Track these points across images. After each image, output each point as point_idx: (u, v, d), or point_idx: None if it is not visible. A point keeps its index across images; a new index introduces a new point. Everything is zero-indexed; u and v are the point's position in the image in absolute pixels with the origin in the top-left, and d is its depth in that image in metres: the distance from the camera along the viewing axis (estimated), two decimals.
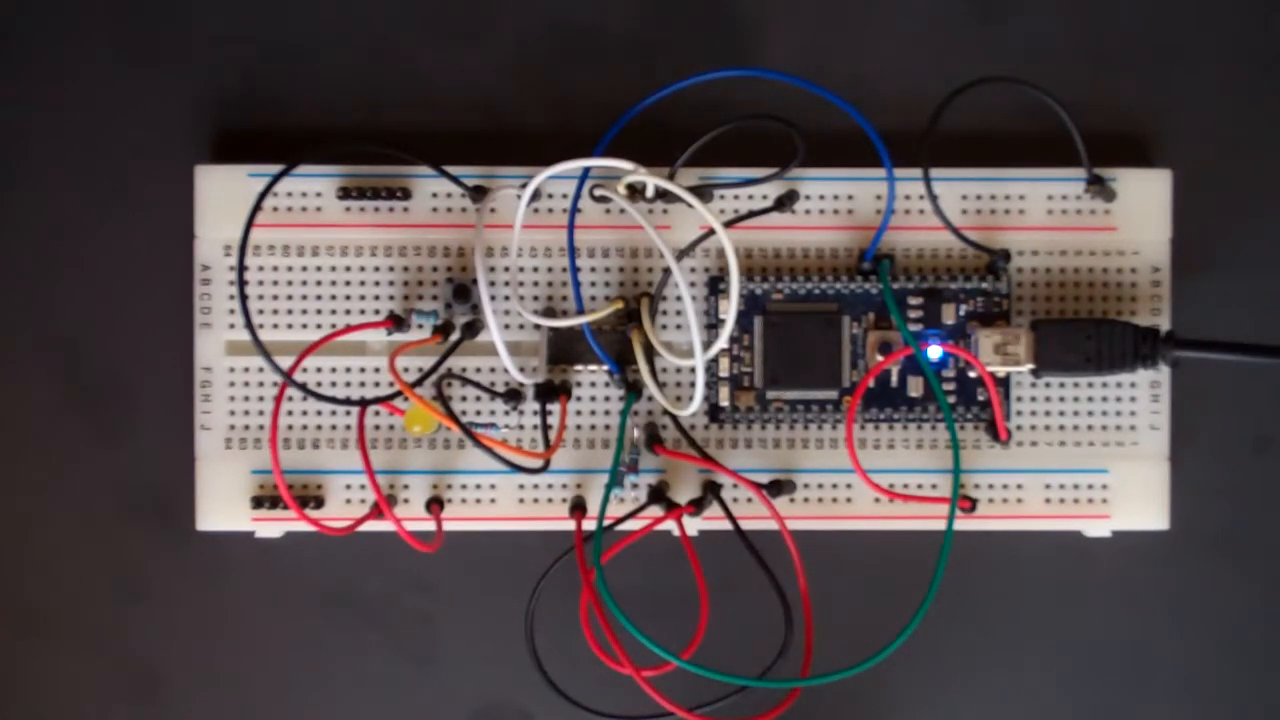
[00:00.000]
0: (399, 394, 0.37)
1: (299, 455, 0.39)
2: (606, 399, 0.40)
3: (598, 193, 0.39)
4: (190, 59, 0.40)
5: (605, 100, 0.40)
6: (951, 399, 0.39)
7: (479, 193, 0.39)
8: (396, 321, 0.39)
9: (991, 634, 0.41)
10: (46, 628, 0.40)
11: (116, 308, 0.40)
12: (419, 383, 0.38)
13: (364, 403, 0.37)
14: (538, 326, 0.39)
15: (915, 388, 0.40)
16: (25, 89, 0.40)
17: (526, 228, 0.39)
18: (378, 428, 0.40)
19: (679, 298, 0.39)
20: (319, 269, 0.39)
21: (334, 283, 0.39)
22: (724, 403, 0.39)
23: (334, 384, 0.40)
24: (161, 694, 0.41)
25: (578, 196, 0.38)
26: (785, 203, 0.39)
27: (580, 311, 0.38)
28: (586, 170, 0.38)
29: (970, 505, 0.39)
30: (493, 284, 0.39)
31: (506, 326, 0.39)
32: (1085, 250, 0.40)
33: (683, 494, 0.40)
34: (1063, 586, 0.41)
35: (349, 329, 0.38)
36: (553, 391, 0.39)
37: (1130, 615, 0.41)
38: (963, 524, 0.39)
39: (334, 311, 0.39)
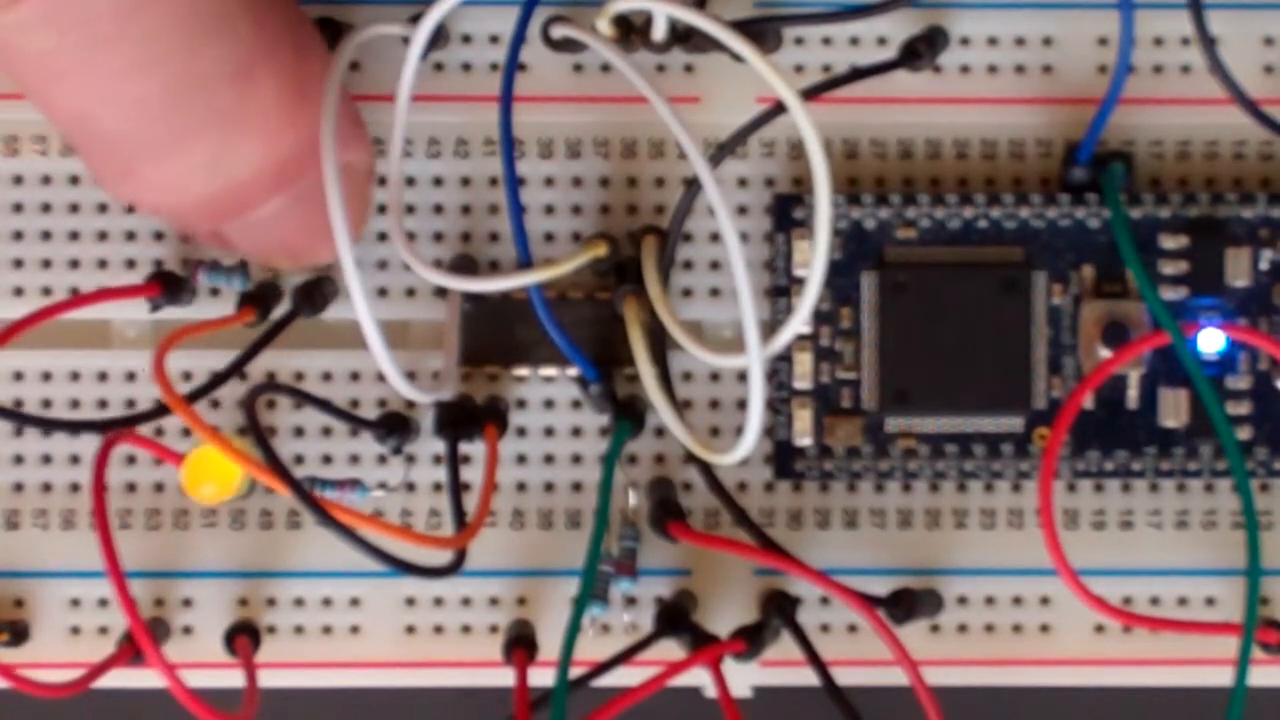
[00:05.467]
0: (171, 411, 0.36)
1: None
2: (575, 433, 0.39)
3: (559, 33, 0.38)
4: None
5: None
6: (1243, 432, 0.39)
7: (328, 32, 0.38)
8: (169, 285, 0.38)
9: None
10: None
11: None
12: (205, 392, 0.38)
13: (107, 435, 0.37)
14: (443, 292, 0.38)
15: (1174, 411, 0.39)
16: None
17: (422, 100, 0.38)
18: (133, 488, 0.39)
19: (715, 236, 0.39)
20: (19, 182, 0.39)
21: (47, 208, 0.39)
22: (803, 440, 0.39)
23: (49, 403, 0.39)
24: None
25: (519, 41, 0.37)
26: (922, 52, 0.38)
27: (526, 264, 0.37)
28: None
29: None
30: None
31: (382, 294, 0.39)
32: None
33: (723, 617, 0.39)
34: None
35: (77, 300, 0.38)
36: (471, 419, 0.38)
37: None
38: (1268, 675, 0.39)
39: (48, 265, 0.39)
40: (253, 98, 0.32)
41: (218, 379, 0.38)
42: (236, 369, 0.38)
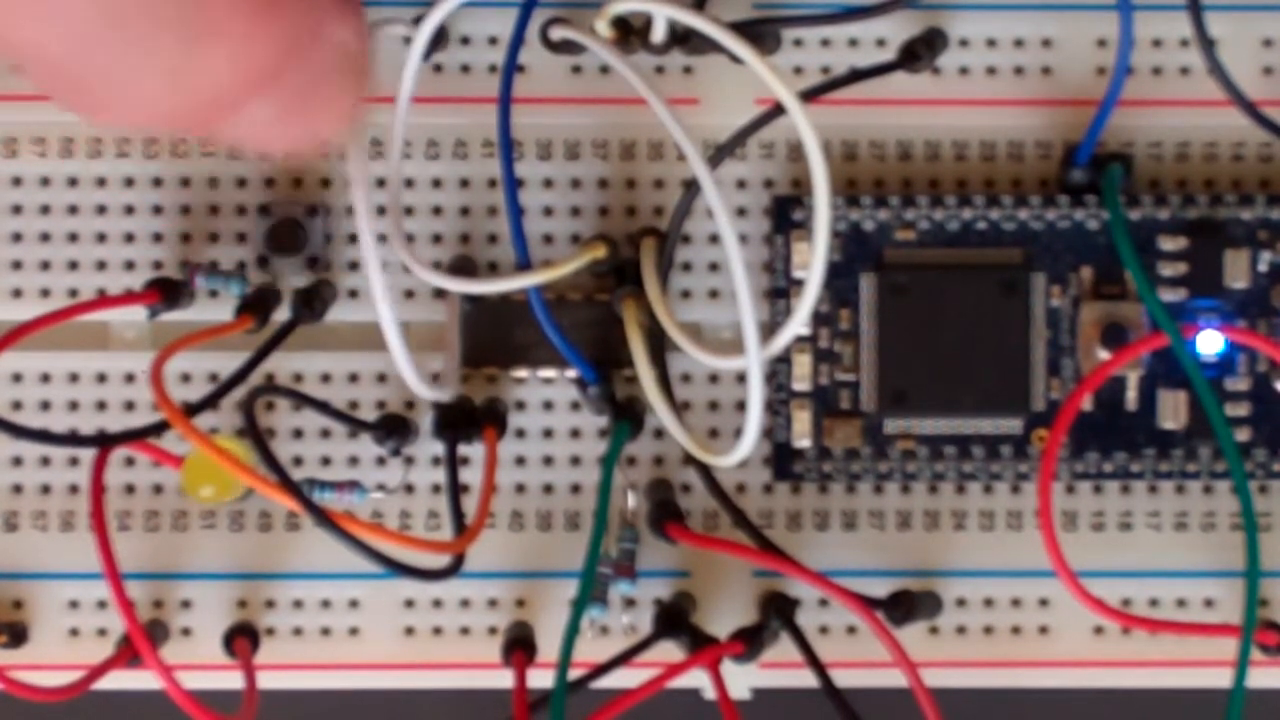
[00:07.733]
0: (170, 427, 0.36)
1: None
2: (574, 434, 0.39)
3: (558, 35, 0.38)
4: None
5: None
6: (1242, 434, 0.39)
7: None
8: (167, 291, 0.38)
9: None
10: None
11: None
12: (208, 403, 0.37)
13: (105, 441, 0.37)
14: (442, 294, 0.38)
15: (1172, 412, 0.39)
16: None
17: (420, 102, 0.37)
18: (132, 490, 0.39)
19: (714, 238, 0.39)
20: (17, 184, 0.39)
21: (46, 210, 0.39)
22: (801, 441, 0.39)
23: (47, 405, 0.39)
24: None
25: (518, 42, 0.37)
26: (921, 54, 0.38)
27: (525, 265, 0.37)
28: None
29: None
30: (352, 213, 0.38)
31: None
32: None
33: (722, 619, 0.39)
34: None
35: (77, 309, 0.38)
36: (470, 420, 0.38)
37: None
38: (1266, 676, 0.38)
39: (46, 267, 0.39)
40: (209, 2, 0.29)
41: (219, 390, 0.38)
42: (239, 379, 0.38)
